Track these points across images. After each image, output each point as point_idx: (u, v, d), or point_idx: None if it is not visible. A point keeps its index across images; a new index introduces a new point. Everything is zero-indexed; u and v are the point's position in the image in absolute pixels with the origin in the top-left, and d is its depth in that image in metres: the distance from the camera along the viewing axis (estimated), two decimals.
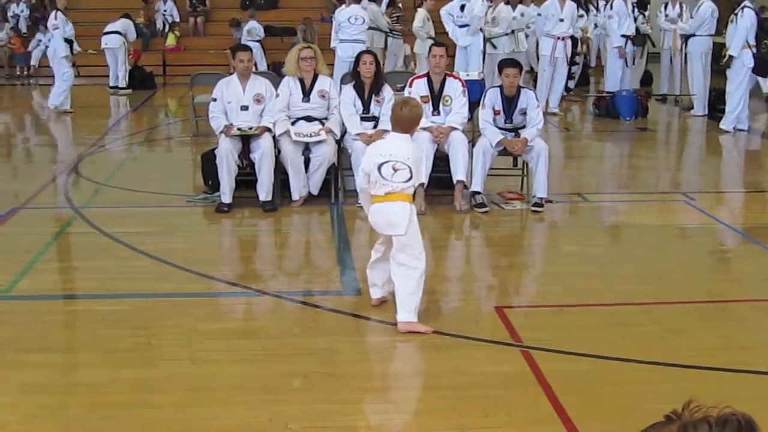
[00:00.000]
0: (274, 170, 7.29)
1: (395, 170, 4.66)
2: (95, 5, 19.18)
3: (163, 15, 20.03)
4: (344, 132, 7.55)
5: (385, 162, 4.68)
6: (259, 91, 7.51)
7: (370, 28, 13.34)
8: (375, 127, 7.48)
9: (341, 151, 7.60)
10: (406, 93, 7.51)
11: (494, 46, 13.12)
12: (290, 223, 7.15)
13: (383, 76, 7.82)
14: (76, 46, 13.37)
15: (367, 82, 7.54)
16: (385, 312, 4.93)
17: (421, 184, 5.90)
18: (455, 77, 7.77)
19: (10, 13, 20.33)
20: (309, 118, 7.55)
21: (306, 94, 7.55)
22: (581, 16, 14.22)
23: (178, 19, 19.92)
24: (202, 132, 10.57)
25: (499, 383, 4.07)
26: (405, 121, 4.80)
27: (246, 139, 7.35)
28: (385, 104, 7.48)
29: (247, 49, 7.81)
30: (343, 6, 13.39)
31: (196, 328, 4.71)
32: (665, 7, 14.57)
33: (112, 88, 15.51)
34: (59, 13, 13.10)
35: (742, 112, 11.50)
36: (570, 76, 14.31)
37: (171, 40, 19.22)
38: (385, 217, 4.72)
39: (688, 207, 7.60)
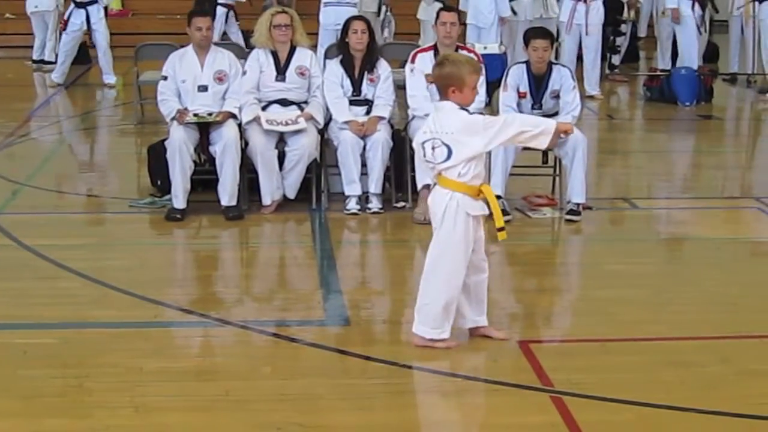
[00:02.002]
0: (239, 167, 7.30)
1: (433, 149, 4.79)
2: None
3: None
4: (329, 119, 7.57)
5: (427, 140, 4.83)
6: (221, 68, 7.53)
7: None
8: (368, 113, 7.50)
9: (325, 143, 7.61)
10: (407, 69, 7.55)
11: (515, 12, 13.01)
12: (260, 234, 7.14)
13: (378, 49, 7.84)
14: None
15: (357, 56, 7.56)
16: (381, 348, 4.94)
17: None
18: (470, 51, 7.79)
19: None
20: (284, 102, 7.56)
21: (280, 71, 7.56)
22: None
23: None
24: (149, 119, 10.55)
25: None
26: (438, 82, 4.89)
27: (204, 128, 7.35)
28: (380, 84, 7.50)
29: (206, 14, 7.82)
30: None
31: (141, 368, 4.70)
32: None
33: (36, 62, 15.47)
34: None
35: None
36: (614, 50, 14.32)
37: (116, 3, 19.19)
38: (429, 201, 4.94)
39: (763, 216, 7.62)
